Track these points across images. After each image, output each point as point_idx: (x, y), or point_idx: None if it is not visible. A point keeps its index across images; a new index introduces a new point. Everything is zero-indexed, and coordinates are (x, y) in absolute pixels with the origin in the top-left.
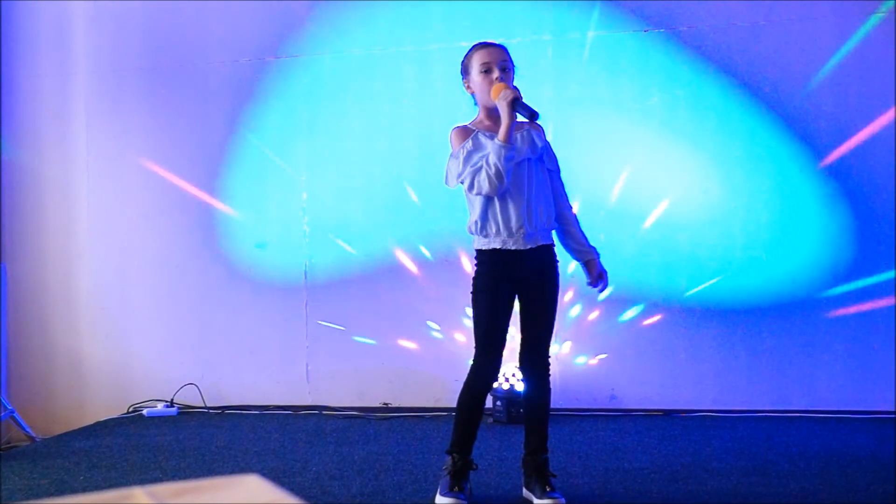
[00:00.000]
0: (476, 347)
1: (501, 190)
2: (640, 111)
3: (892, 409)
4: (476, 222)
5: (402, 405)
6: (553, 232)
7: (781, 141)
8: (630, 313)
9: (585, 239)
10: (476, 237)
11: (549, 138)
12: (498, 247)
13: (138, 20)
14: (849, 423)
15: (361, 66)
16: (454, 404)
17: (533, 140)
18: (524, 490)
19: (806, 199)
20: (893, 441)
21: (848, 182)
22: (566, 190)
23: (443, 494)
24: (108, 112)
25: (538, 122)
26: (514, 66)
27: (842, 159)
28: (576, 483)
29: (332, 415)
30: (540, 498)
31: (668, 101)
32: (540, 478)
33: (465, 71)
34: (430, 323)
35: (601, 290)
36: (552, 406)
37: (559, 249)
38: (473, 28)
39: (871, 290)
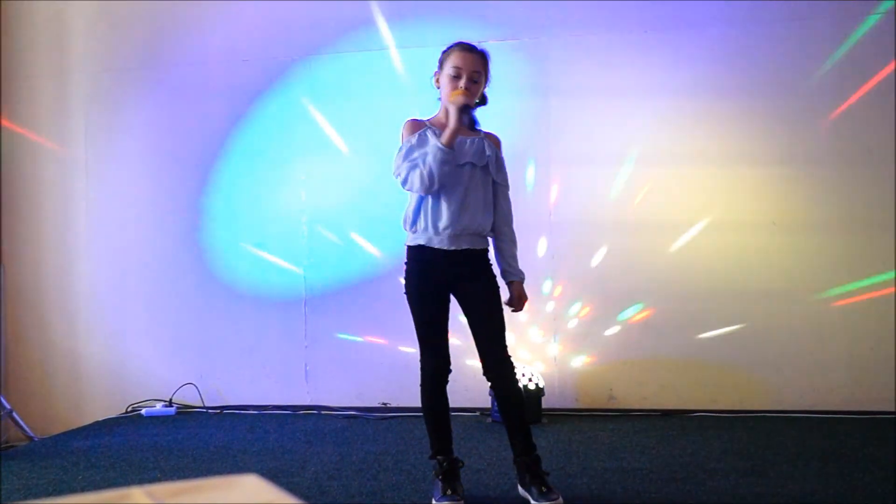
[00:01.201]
0: (420, 347)
1: (431, 191)
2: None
3: (892, 409)
4: (408, 216)
5: (400, 405)
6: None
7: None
8: (629, 313)
9: (515, 261)
10: (407, 233)
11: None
12: (423, 243)
13: (137, 20)
14: (847, 423)
15: (362, 66)
16: (453, 404)
17: (483, 148)
18: (520, 488)
19: (805, 193)
20: (893, 441)
21: (847, 181)
22: (510, 208)
23: (438, 500)
24: (106, 112)
25: (483, 132)
26: (488, 77)
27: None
28: (574, 483)
29: (331, 415)
30: (538, 500)
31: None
32: (534, 477)
33: (440, 65)
34: None
35: (515, 311)
36: (552, 407)
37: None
38: (474, 29)
39: (870, 289)
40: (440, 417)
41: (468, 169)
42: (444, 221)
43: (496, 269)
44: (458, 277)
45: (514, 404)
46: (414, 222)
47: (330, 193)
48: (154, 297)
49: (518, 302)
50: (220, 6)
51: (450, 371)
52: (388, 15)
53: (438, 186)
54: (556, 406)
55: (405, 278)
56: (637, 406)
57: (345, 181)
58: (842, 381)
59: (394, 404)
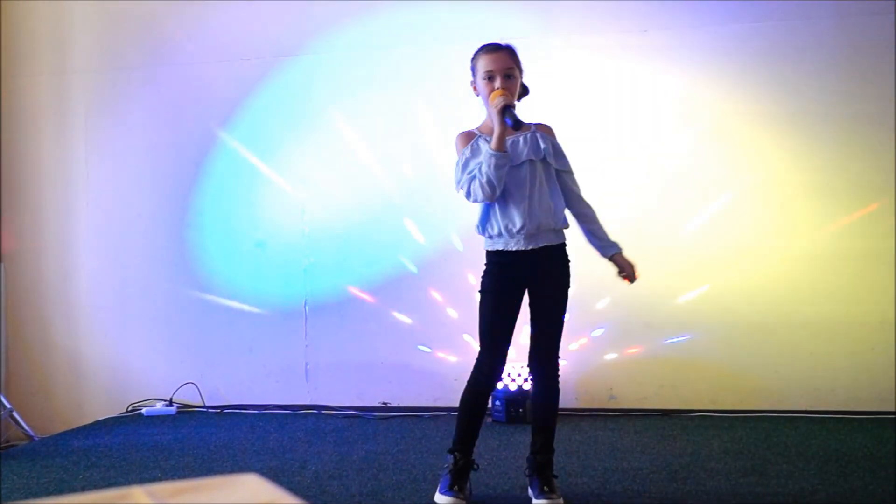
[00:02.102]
0: (480, 346)
1: (495, 197)
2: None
3: (892, 409)
4: (480, 223)
5: (401, 405)
6: (565, 231)
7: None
8: (630, 313)
9: (606, 235)
10: (483, 238)
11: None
12: (500, 248)
13: (137, 19)
14: (848, 423)
15: (362, 65)
16: (453, 404)
17: (537, 141)
18: (529, 489)
19: (800, 194)
20: (893, 441)
21: (846, 181)
22: (579, 190)
23: (442, 493)
24: (106, 111)
25: (534, 123)
26: (521, 69)
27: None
28: (575, 483)
29: (331, 414)
30: (537, 497)
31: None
32: (540, 477)
33: (472, 73)
34: (429, 321)
35: (631, 282)
36: None
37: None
38: (474, 28)
39: (870, 289)
40: (475, 418)
41: (528, 166)
42: (517, 223)
43: (572, 268)
44: (537, 274)
45: (550, 405)
46: (486, 228)
47: (331, 192)
48: (155, 297)
49: (630, 269)
50: (221, 6)
51: (501, 378)
52: (388, 14)
53: (501, 191)
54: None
55: (483, 277)
56: (637, 406)
57: (345, 179)
58: (842, 381)
59: (394, 404)
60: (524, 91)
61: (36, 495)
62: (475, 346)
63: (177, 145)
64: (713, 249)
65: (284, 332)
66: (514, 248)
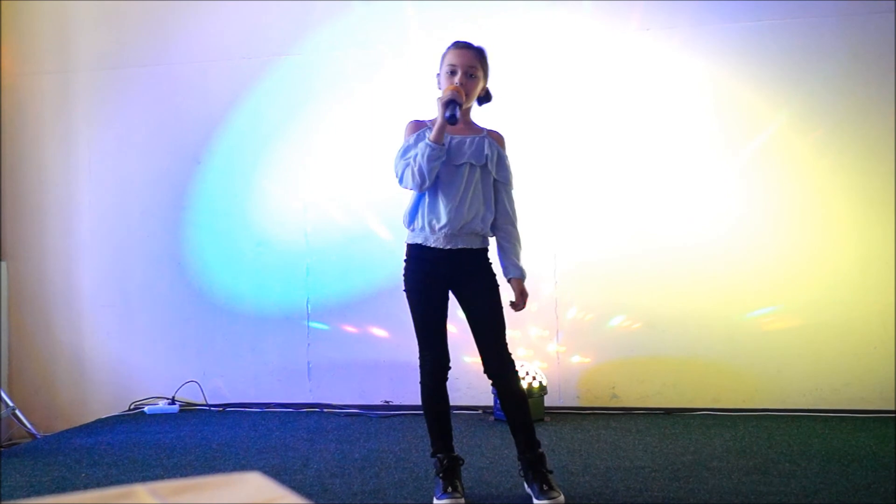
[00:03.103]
0: (419, 345)
1: (424, 187)
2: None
3: (894, 408)
4: (408, 214)
5: (403, 403)
6: (490, 240)
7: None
8: (630, 313)
9: (517, 258)
10: (407, 230)
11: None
12: (420, 241)
13: (139, 17)
14: (850, 422)
15: (362, 65)
16: (454, 402)
17: (482, 147)
18: (526, 486)
19: (800, 194)
20: (895, 440)
21: (846, 181)
22: (513, 206)
23: (439, 498)
24: (109, 109)
25: (487, 129)
26: (488, 73)
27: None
28: (577, 482)
29: (334, 412)
30: (538, 497)
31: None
32: (537, 475)
33: (439, 65)
34: None
35: (515, 310)
36: (554, 405)
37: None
38: (475, 28)
39: (871, 289)
40: (440, 415)
41: (467, 169)
42: (441, 221)
43: (496, 268)
44: (457, 276)
45: (516, 402)
46: (412, 220)
47: (332, 192)
48: (157, 295)
49: (520, 299)
50: (221, 5)
51: (449, 368)
52: (387, 13)
53: (430, 183)
54: (559, 404)
55: (404, 276)
56: (639, 404)
57: (346, 178)
58: (844, 380)
59: (396, 402)
60: (486, 97)
61: (38, 493)
62: (472, 344)
63: (179, 143)
64: (714, 249)
65: (286, 331)
66: (432, 245)
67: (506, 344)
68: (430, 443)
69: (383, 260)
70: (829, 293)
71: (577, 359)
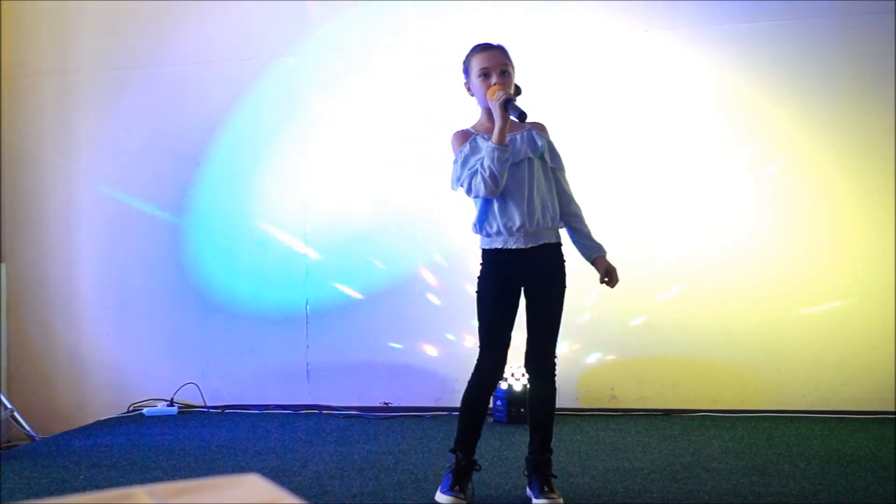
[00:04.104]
0: (480, 347)
1: (498, 192)
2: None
3: (893, 409)
4: (478, 222)
5: (402, 405)
6: (562, 230)
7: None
8: (631, 312)
9: (592, 237)
10: (480, 237)
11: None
12: (499, 246)
13: (139, 18)
14: (849, 423)
15: (361, 65)
16: (454, 404)
17: (533, 139)
18: (526, 487)
19: (798, 195)
20: (894, 441)
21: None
22: (570, 189)
23: (443, 492)
24: (108, 110)
25: (527, 120)
26: (513, 66)
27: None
28: (576, 483)
29: (333, 414)
30: (537, 497)
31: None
32: (539, 476)
33: (465, 73)
34: (430, 321)
35: (611, 286)
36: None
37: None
38: (473, 29)
39: (871, 289)
40: (477, 418)
41: (526, 163)
42: (516, 222)
43: (568, 266)
44: (534, 274)
45: (547, 403)
46: (484, 226)
47: (332, 191)
48: (156, 297)
49: (610, 274)
50: (220, 6)
51: (502, 376)
52: (386, 14)
53: (503, 187)
54: (558, 406)
55: (480, 279)
56: (638, 406)
57: (346, 179)
58: (843, 381)
59: (395, 404)
60: (517, 91)
61: (37, 495)
62: (475, 346)
63: (178, 144)
64: (713, 250)
65: (285, 332)
66: (513, 247)
67: (555, 346)
68: (454, 439)
69: (383, 260)
70: (828, 294)
71: (576, 359)
